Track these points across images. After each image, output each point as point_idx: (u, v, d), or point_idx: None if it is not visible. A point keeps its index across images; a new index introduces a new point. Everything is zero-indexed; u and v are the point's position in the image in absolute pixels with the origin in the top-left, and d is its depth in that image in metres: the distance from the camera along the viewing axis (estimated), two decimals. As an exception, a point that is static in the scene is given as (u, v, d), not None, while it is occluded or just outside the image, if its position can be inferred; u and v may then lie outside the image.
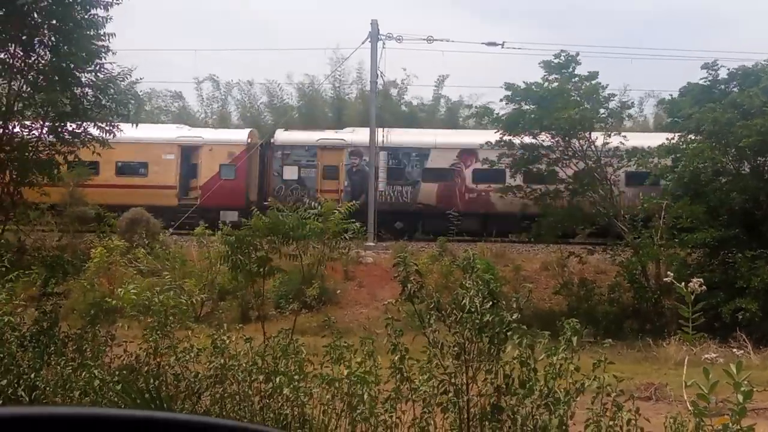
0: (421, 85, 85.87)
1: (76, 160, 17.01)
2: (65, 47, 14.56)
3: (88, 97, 15.76)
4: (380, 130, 36.08)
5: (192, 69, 67.79)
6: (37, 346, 10.34)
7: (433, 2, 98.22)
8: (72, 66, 14.85)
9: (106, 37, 15.16)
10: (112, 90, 15.99)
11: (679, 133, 28.50)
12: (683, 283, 4.77)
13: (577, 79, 28.26)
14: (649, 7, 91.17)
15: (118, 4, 14.57)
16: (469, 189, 36.28)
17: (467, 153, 36.10)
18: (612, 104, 28.85)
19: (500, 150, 29.53)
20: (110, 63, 15.78)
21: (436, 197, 36.27)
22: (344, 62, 49.04)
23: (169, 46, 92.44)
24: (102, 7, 14.53)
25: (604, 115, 28.60)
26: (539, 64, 28.54)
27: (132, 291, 10.72)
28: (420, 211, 35.85)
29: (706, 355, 5.10)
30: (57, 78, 14.74)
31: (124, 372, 9.34)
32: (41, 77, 15.04)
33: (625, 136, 28.87)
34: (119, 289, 11.37)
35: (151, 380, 9.18)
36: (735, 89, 28.12)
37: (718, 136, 26.18)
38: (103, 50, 15.34)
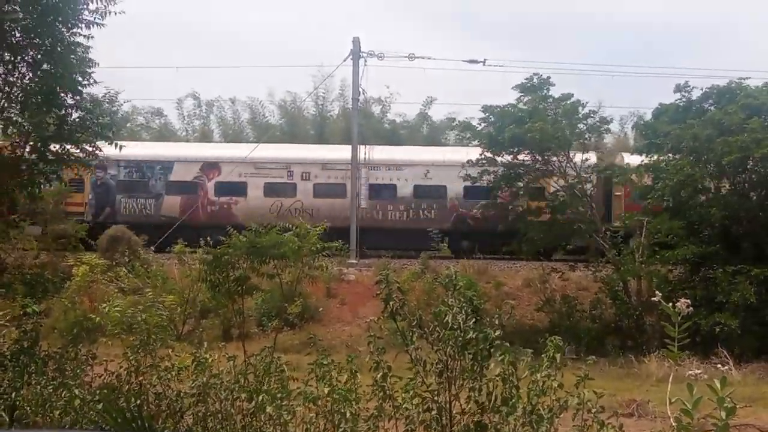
0: (403, 102, 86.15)
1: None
2: (48, 66, 14.49)
3: (72, 119, 15.69)
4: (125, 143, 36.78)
5: (173, 86, 67.97)
6: (17, 366, 10.27)
7: (416, 22, 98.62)
8: (55, 86, 14.78)
9: (92, 64, 15.13)
10: (97, 112, 15.94)
11: (656, 152, 28.64)
12: (670, 303, 4.77)
13: (551, 100, 28.40)
14: (632, 27, 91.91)
15: (101, 25, 14.51)
16: (212, 202, 36.87)
17: (210, 167, 36.98)
18: (591, 121, 28.91)
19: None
20: (95, 83, 15.72)
21: (179, 210, 36.57)
22: (326, 80, 49.21)
23: (150, 64, 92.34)
24: (84, 25, 14.46)
25: (582, 130, 28.65)
26: (512, 88, 28.75)
27: (115, 309, 10.67)
28: (164, 224, 35.40)
29: (690, 372, 5.10)
30: (40, 98, 14.66)
31: (105, 391, 9.28)
32: (23, 97, 14.95)
33: (602, 154, 29.13)
34: (103, 306, 11.31)
35: (133, 399, 9.12)
36: (711, 108, 28.31)
37: (697, 153, 26.34)
38: (87, 70, 15.29)
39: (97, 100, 16.03)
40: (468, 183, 32.78)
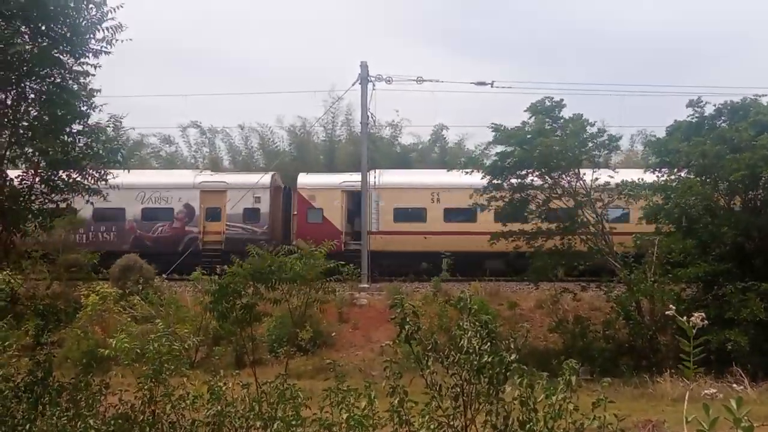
0: (414, 126, 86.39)
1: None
2: (54, 97, 14.56)
3: (79, 146, 15.75)
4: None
5: (182, 113, 68.12)
6: (31, 397, 10.26)
7: (423, 45, 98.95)
8: (61, 113, 14.85)
9: (95, 92, 15.23)
10: (102, 138, 16.00)
11: (668, 170, 28.57)
12: (684, 318, 4.76)
13: (562, 121, 28.36)
14: (640, 45, 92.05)
15: (107, 53, 14.60)
16: None
17: None
18: (600, 140, 28.83)
19: None
20: (99, 110, 15.80)
21: None
22: (335, 104, 49.31)
23: (158, 92, 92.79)
24: (92, 54, 14.55)
25: (590, 148, 28.56)
26: (524, 110, 28.70)
27: (124, 339, 10.66)
28: None
29: (706, 391, 5.07)
30: (47, 126, 14.74)
31: (120, 421, 9.26)
32: (31, 125, 15.04)
33: (614, 173, 28.98)
34: (110, 339, 11.30)
35: (147, 429, 9.11)
36: (723, 124, 28.25)
37: (707, 170, 26.29)
38: (93, 98, 15.37)
39: (102, 127, 16.09)
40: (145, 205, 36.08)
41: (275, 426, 8.13)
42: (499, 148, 29.50)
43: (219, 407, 8.85)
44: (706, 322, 4.75)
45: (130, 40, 14.60)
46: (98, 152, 15.92)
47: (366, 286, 33.09)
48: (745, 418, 4.37)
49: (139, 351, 9.95)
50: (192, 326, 25.61)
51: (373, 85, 35.96)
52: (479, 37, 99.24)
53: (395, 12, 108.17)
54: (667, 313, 5.15)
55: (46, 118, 14.79)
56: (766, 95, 28.62)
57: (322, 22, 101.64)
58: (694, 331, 4.77)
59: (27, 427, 9.74)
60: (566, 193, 28.42)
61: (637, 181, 28.63)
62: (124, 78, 74.47)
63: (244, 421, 8.68)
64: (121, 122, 16.74)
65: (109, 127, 16.52)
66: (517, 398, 6.63)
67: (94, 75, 14.92)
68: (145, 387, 9.43)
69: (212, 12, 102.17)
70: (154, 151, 57.61)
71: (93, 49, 14.49)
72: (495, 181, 28.90)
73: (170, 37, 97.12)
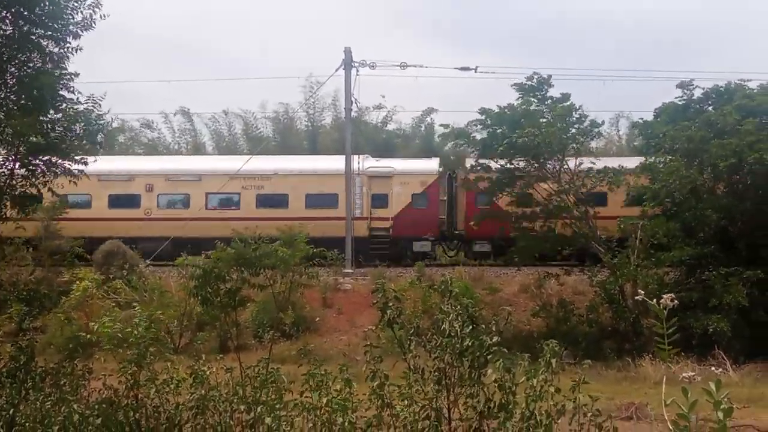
0: (398, 112, 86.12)
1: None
2: (34, 81, 14.45)
3: (58, 129, 15.64)
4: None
5: (165, 100, 67.81)
6: (15, 382, 10.24)
7: (408, 31, 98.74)
8: (40, 97, 14.74)
9: (74, 75, 15.12)
10: (81, 121, 15.87)
11: (654, 153, 28.69)
12: (655, 300, 4.78)
13: (550, 101, 28.41)
14: (623, 32, 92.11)
15: (90, 28, 14.51)
16: None
17: None
18: (584, 124, 28.91)
19: None
20: (79, 93, 15.69)
21: None
22: (319, 89, 49.15)
23: (142, 78, 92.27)
24: (71, 36, 14.45)
25: (574, 133, 28.62)
26: (512, 86, 28.72)
27: (106, 324, 10.63)
28: None
29: (684, 374, 5.09)
30: (26, 110, 14.62)
31: (104, 406, 9.26)
32: (9, 110, 14.91)
33: (596, 159, 29.25)
34: (94, 322, 11.26)
35: (131, 413, 9.11)
36: (710, 108, 28.35)
37: (692, 154, 26.37)
38: (71, 81, 15.26)
39: (81, 111, 15.95)
40: None
41: (258, 410, 8.14)
42: (485, 134, 29.60)
43: (202, 391, 8.85)
44: (676, 302, 4.75)
45: (108, 15, 14.51)
46: (78, 134, 15.80)
47: (350, 271, 33.08)
48: (726, 400, 4.40)
49: (120, 336, 9.93)
50: (176, 312, 25.59)
51: (357, 71, 35.83)
52: (463, 26, 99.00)
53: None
54: (636, 298, 5.17)
55: (25, 102, 14.68)
56: (751, 80, 28.77)
57: (307, 9, 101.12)
58: (666, 313, 4.79)
59: (11, 411, 9.72)
60: (551, 177, 28.50)
61: (618, 168, 28.80)
62: (107, 65, 74.09)
63: (227, 405, 8.69)
64: (99, 104, 16.57)
65: (87, 109, 16.36)
66: (497, 381, 6.66)
67: (74, 55, 14.83)
68: (129, 372, 9.42)
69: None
70: (135, 136, 57.30)
71: (72, 31, 14.39)
72: (482, 161, 29.05)
73: (151, 24, 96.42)
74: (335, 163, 36.38)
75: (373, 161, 38.79)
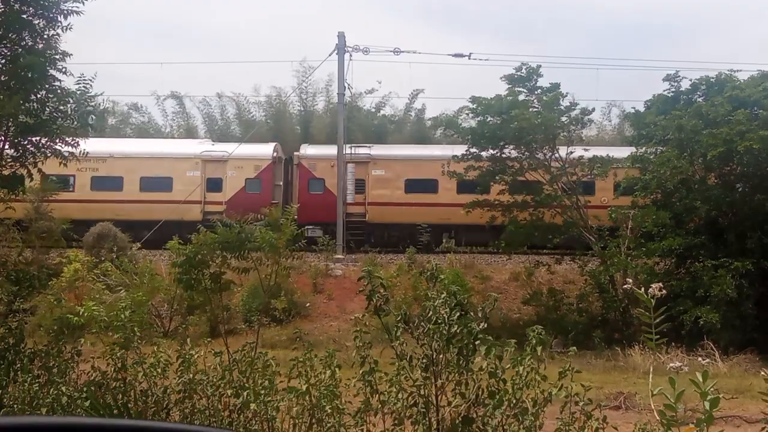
0: (392, 98, 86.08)
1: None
2: (25, 60, 14.35)
3: (48, 108, 15.54)
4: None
5: (158, 82, 67.55)
6: (3, 363, 10.22)
7: (402, 17, 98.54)
8: (31, 77, 14.64)
9: (65, 55, 15.02)
10: (71, 101, 15.77)
11: (645, 144, 28.75)
12: (643, 289, 4.78)
13: (539, 91, 28.42)
14: (617, 20, 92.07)
15: (78, 13, 14.41)
16: None
17: None
18: (574, 113, 28.94)
19: None
20: (70, 74, 15.58)
21: None
22: (312, 74, 49.11)
23: (135, 60, 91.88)
24: (62, 15, 14.35)
25: (565, 122, 28.67)
26: (501, 78, 28.71)
27: (93, 307, 10.61)
28: None
29: (671, 364, 5.12)
30: (16, 90, 14.53)
31: (92, 388, 9.25)
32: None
33: (587, 148, 29.39)
34: (82, 305, 11.24)
35: (120, 396, 9.11)
36: (699, 99, 28.40)
37: (683, 144, 26.41)
38: (63, 61, 15.15)
39: (72, 91, 15.84)
40: None
41: (245, 394, 8.13)
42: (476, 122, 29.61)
43: (190, 375, 8.84)
44: (664, 291, 4.77)
45: None
46: (68, 114, 15.71)
47: (341, 257, 33.11)
48: (714, 390, 4.41)
49: (106, 319, 9.91)
50: (166, 295, 25.57)
51: (350, 56, 35.83)
52: (458, 12, 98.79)
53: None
54: (624, 286, 5.18)
55: (14, 83, 14.59)
56: (741, 70, 28.84)
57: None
58: (653, 302, 4.80)
59: (-1, 393, 9.72)
60: (541, 166, 28.54)
61: (607, 157, 28.92)
62: (100, 48, 73.78)
63: (215, 389, 8.68)
64: (91, 84, 16.46)
65: (79, 90, 16.25)
66: (485, 369, 6.65)
67: (64, 33, 14.74)
68: (116, 355, 9.41)
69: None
70: (125, 118, 57.00)
71: (63, 9, 14.30)
72: (473, 150, 29.04)
73: (145, 7, 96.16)
74: (170, 147, 38.30)
75: (209, 145, 39.57)
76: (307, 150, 39.10)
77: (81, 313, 10.39)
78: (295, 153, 38.90)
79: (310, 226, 32.19)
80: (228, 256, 13.86)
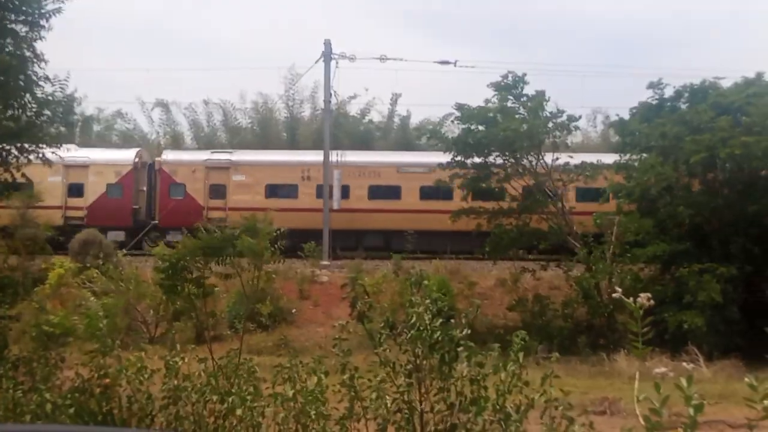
0: (377, 104, 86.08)
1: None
2: (7, 66, 14.31)
3: (28, 114, 15.49)
4: None
5: (144, 89, 67.43)
6: (-14, 370, 10.17)
7: (387, 24, 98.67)
8: (13, 83, 14.60)
9: (41, 60, 14.98)
10: (51, 104, 15.73)
11: (630, 151, 28.87)
12: (631, 298, 4.81)
13: (525, 98, 28.53)
14: (602, 27, 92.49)
15: (57, 13, 14.39)
16: None
17: None
18: (560, 119, 29.07)
19: None
20: (50, 80, 15.56)
21: None
22: (298, 81, 49.15)
23: (121, 67, 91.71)
24: (45, 19, 14.33)
25: (550, 128, 28.80)
26: (487, 85, 28.82)
27: (67, 317, 10.59)
28: None
29: (657, 370, 5.14)
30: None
31: (76, 394, 9.21)
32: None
33: (572, 155, 29.58)
34: (53, 317, 11.23)
35: (104, 403, 9.07)
36: (683, 106, 28.53)
37: (667, 151, 26.53)
38: (43, 63, 15.12)
39: (50, 93, 15.79)
40: None
41: (231, 400, 8.12)
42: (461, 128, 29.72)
43: (175, 382, 8.82)
44: (652, 302, 4.80)
45: None
46: (49, 117, 15.67)
47: (327, 263, 33.12)
48: (697, 395, 4.43)
49: (81, 327, 9.90)
50: (152, 301, 25.50)
51: (337, 63, 35.98)
52: (444, 19, 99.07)
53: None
54: (614, 295, 5.20)
55: None
56: (725, 78, 28.96)
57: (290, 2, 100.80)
58: (641, 312, 4.83)
59: (-18, 400, 9.66)
60: (527, 172, 28.65)
61: (598, 162, 29.12)
62: (85, 54, 73.62)
63: (200, 395, 8.66)
64: (66, 84, 16.40)
65: (56, 92, 16.19)
66: (466, 375, 6.66)
67: (44, 40, 14.71)
68: (97, 362, 9.37)
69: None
70: (109, 125, 56.87)
71: (45, 13, 14.28)
72: (458, 158, 29.13)
73: (131, 12, 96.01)
74: None
75: (73, 151, 39.01)
76: (168, 155, 39.89)
77: (57, 322, 10.37)
78: (157, 158, 39.54)
79: (171, 231, 33.09)
80: (210, 262, 13.85)
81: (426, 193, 36.46)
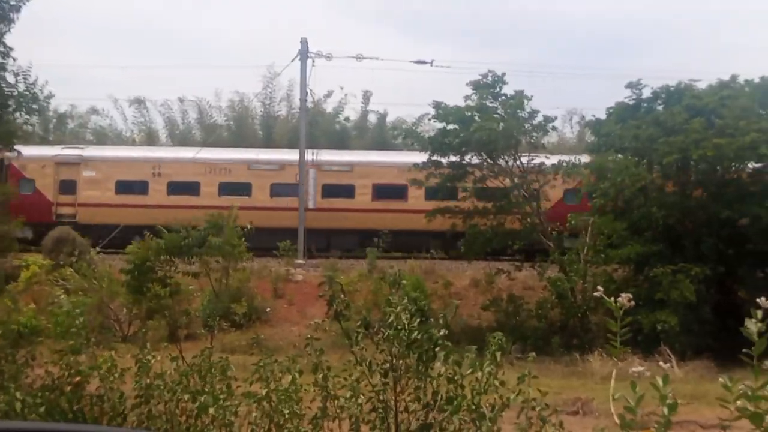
0: (351, 101, 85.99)
1: None
2: None
3: None
4: None
5: (120, 86, 67.12)
6: (-45, 368, 10.05)
7: (363, 23, 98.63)
8: None
9: (9, 56, 14.92)
10: (14, 95, 15.64)
11: (605, 152, 28.95)
12: (611, 298, 4.82)
13: (503, 98, 28.59)
14: (578, 28, 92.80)
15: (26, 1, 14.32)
16: None
17: None
18: (537, 120, 29.17)
19: None
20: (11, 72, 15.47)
21: None
22: (275, 80, 49.10)
23: (97, 63, 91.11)
24: (14, 10, 14.25)
25: (528, 129, 28.89)
26: (466, 84, 28.85)
27: (30, 317, 10.54)
28: None
29: (634, 369, 5.15)
30: None
31: (47, 393, 9.13)
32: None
33: (548, 156, 29.68)
34: (21, 317, 11.18)
35: (75, 401, 8.99)
36: (659, 108, 28.67)
37: (641, 152, 26.67)
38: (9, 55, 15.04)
39: (14, 85, 15.69)
40: None
41: (204, 399, 8.07)
42: (440, 126, 29.82)
43: (147, 380, 8.75)
44: (632, 303, 4.81)
45: None
46: (13, 109, 15.59)
47: (302, 261, 33.06)
48: (671, 395, 4.43)
49: (50, 327, 9.82)
50: (126, 299, 25.36)
51: (313, 62, 35.99)
52: (420, 19, 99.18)
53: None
54: (595, 294, 5.20)
55: None
56: (700, 80, 29.15)
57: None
58: (621, 312, 4.83)
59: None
60: (503, 173, 28.71)
61: (577, 161, 29.22)
62: (57, 50, 73.15)
63: (173, 394, 8.60)
64: (29, 73, 16.32)
65: (19, 81, 16.10)
66: (443, 374, 6.66)
67: (10, 32, 14.63)
68: (68, 361, 9.29)
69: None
70: (84, 122, 56.52)
71: (14, 6, 14.20)
72: (434, 158, 29.15)
73: (110, 10, 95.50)
74: None
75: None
76: (18, 151, 39.28)
77: (26, 321, 10.31)
78: (6, 153, 38.89)
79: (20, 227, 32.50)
80: (175, 261, 13.86)
81: (276, 191, 37.15)
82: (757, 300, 4.03)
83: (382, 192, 36.72)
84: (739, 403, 4.06)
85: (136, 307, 25.22)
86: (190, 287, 17.16)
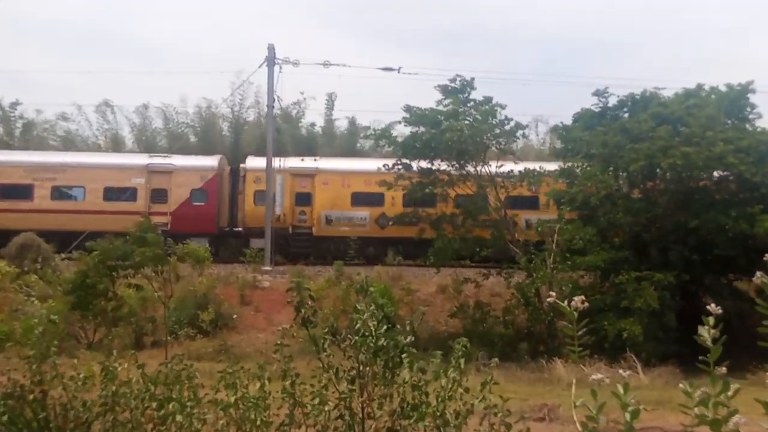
0: (320, 108, 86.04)
1: None
2: None
3: None
4: None
5: (85, 92, 66.60)
6: None
7: (330, 30, 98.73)
8: None
9: None
10: None
11: (572, 158, 29.12)
12: (566, 302, 4.85)
13: (472, 103, 28.72)
14: (546, 36, 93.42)
15: None
16: None
17: None
18: (508, 126, 29.33)
19: None
20: None
21: None
22: (241, 86, 48.96)
23: (60, 69, 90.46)
24: None
25: (497, 133, 29.06)
26: (435, 87, 28.98)
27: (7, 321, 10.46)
28: None
29: (593, 376, 5.19)
30: None
31: (10, 401, 9.05)
32: None
33: (516, 162, 29.86)
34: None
35: (39, 410, 8.92)
36: (625, 115, 28.90)
37: (608, 159, 26.85)
38: None
39: None
40: None
41: (170, 406, 8.03)
42: (409, 131, 29.97)
43: (113, 388, 8.70)
44: (586, 304, 4.84)
45: None
46: None
47: (269, 268, 32.97)
48: (634, 402, 4.47)
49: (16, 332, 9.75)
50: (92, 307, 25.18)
51: (280, 68, 35.90)
52: (389, 28, 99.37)
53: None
54: (548, 300, 5.25)
55: None
56: (666, 88, 29.43)
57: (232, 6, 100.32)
58: (576, 316, 4.87)
59: None
60: (472, 178, 28.83)
61: (541, 169, 29.38)
62: (24, 55, 72.56)
63: (139, 401, 8.55)
64: None
65: None
66: (408, 381, 6.67)
67: None
68: (33, 368, 9.22)
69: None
70: (50, 128, 56.04)
71: None
72: (405, 161, 29.27)
73: (75, 17, 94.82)
74: None
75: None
76: None
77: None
78: None
79: None
80: (116, 275, 13.73)
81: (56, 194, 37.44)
82: (708, 307, 4.07)
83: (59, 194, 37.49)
84: (697, 410, 4.11)
85: (101, 314, 25.08)
86: (157, 294, 16.98)
